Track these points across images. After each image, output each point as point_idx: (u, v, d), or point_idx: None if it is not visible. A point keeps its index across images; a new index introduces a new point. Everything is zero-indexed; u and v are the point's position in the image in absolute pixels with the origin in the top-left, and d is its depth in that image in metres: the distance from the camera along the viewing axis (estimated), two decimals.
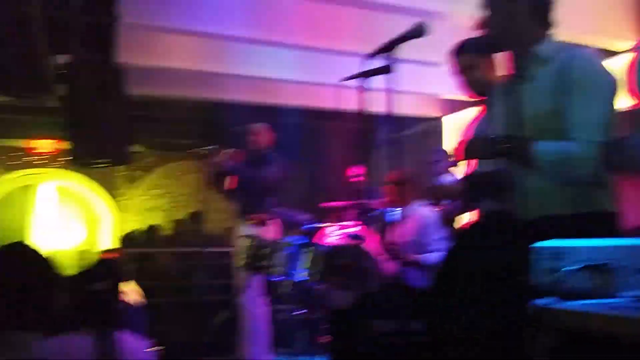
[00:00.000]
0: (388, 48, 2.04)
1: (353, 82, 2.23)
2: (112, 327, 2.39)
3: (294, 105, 6.13)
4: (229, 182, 4.44)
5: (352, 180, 5.18)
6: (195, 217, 6.91)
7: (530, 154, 1.87)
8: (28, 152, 8.64)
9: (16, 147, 8.58)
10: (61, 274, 1.64)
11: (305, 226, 3.40)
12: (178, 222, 7.93)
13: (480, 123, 2.63)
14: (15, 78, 4.90)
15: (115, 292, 2.54)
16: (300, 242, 3.27)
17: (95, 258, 4.69)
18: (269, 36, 4.33)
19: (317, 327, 5.15)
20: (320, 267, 3.14)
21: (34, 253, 1.63)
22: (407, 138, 6.99)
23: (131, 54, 4.68)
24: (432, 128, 6.17)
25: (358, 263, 3.14)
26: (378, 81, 2.18)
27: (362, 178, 5.17)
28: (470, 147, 2.05)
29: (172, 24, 4.17)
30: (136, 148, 4.08)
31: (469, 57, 2.57)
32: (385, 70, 2.16)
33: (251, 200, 4.45)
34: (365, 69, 2.19)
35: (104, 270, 2.72)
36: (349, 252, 3.19)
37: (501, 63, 2.61)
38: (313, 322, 4.99)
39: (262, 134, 4.68)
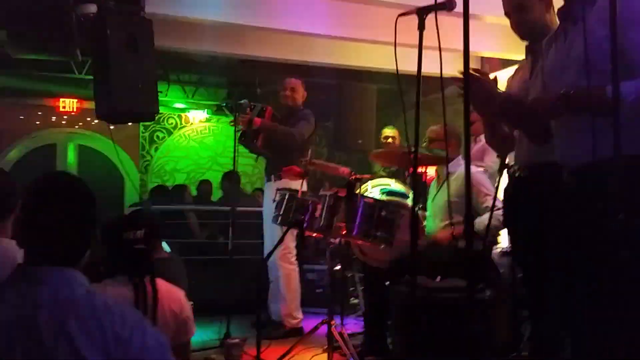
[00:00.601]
0: None
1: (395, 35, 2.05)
2: (147, 275, 2.32)
3: (326, 63, 5.92)
4: (260, 139, 4.31)
5: (386, 141, 5.03)
6: (225, 175, 6.81)
7: (607, 100, 1.74)
8: (52, 110, 8.61)
9: (41, 105, 8.54)
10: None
11: (343, 179, 3.24)
12: (203, 182, 7.85)
13: (526, 74, 2.52)
14: (40, 30, 4.78)
15: (149, 240, 2.47)
16: (336, 195, 3.10)
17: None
18: None
19: (351, 285, 5.06)
20: (359, 222, 3.00)
21: (82, 183, 1.50)
22: (445, 99, 6.77)
23: (158, 4, 4.51)
24: None
25: (401, 219, 3.01)
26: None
27: (396, 138, 5.01)
28: (541, 105, 1.97)
29: None
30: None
31: None
32: (447, 5, 1.99)
33: (283, 155, 4.32)
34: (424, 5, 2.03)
35: (137, 220, 2.64)
36: (391, 208, 3.05)
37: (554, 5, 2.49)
38: (347, 280, 4.89)
39: (296, 89, 4.53)
